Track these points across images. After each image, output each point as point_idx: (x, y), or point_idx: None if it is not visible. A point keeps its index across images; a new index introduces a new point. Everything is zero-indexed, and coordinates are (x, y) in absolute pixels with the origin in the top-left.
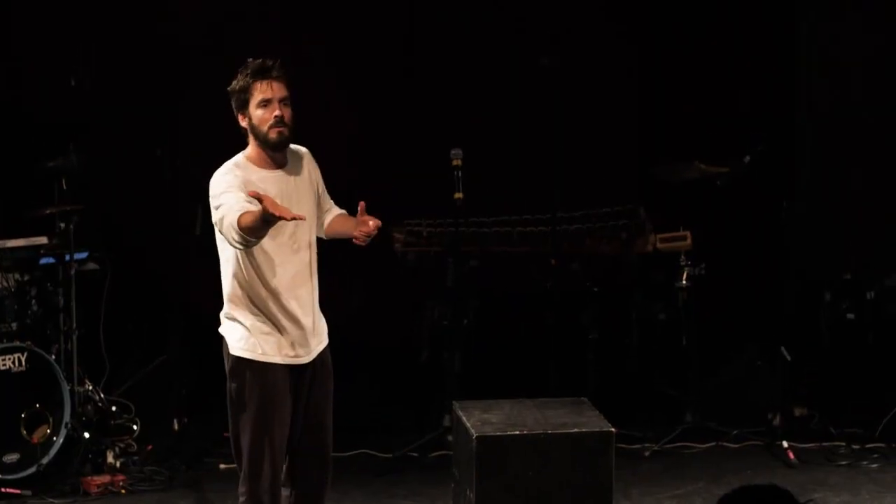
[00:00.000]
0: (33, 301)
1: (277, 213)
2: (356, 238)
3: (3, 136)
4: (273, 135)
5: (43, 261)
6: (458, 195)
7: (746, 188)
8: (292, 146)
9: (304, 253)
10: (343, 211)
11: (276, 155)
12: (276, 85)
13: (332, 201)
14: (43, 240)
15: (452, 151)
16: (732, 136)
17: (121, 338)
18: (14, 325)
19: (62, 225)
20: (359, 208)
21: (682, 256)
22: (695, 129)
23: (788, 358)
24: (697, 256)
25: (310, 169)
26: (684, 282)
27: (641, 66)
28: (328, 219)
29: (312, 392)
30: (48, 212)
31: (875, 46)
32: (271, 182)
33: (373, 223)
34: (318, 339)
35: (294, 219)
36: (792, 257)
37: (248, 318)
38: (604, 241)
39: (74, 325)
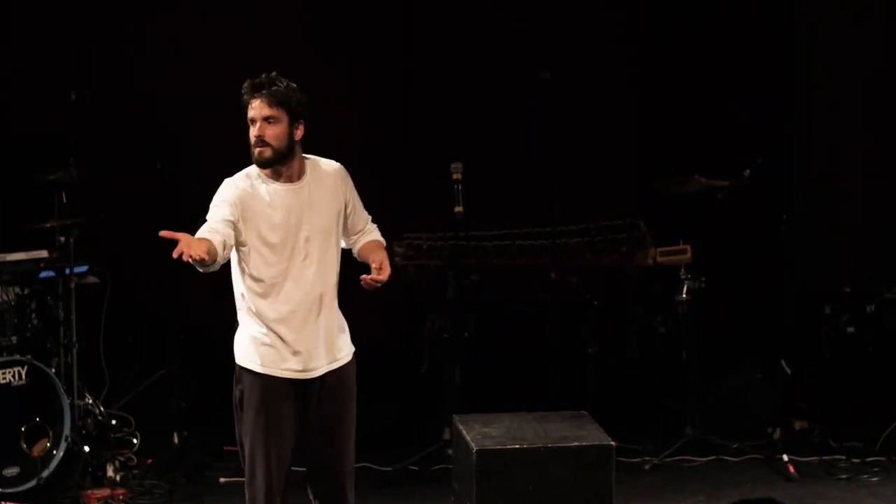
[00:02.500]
0: (33, 314)
1: (174, 255)
2: (363, 278)
3: (3, 150)
4: (255, 153)
5: (43, 274)
6: (459, 208)
7: (746, 201)
8: (323, 161)
9: (315, 269)
10: (375, 237)
11: (286, 168)
12: (258, 103)
13: (369, 222)
14: (43, 253)
15: (452, 165)
16: (732, 148)
17: (121, 351)
18: (14, 338)
19: (62, 238)
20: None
21: (683, 269)
22: (695, 141)
23: (788, 371)
24: (697, 269)
25: (336, 186)
26: (684, 295)
27: (642, 78)
28: (362, 241)
29: (323, 409)
30: (48, 225)
31: (875, 59)
32: (281, 194)
33: (384, 275)
34: (331, 356)
35: (183, 257)
36: (792, 270)
37: (251, 329)
38: (604, 254)
39: (74, 339)
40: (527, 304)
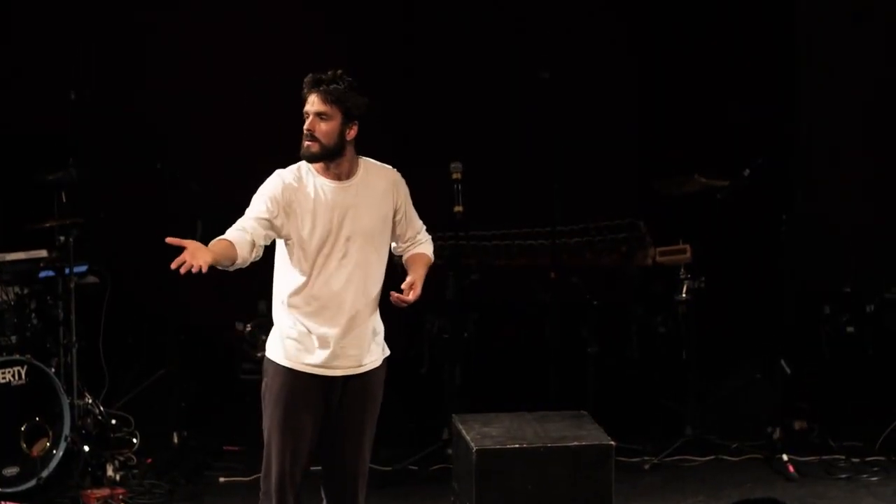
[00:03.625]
0: (33, 314)
1: (173, 266)
2: (392, 295)
3: (3, 150)
4: (302, 147)
5: (43, 274)
6: (458, 208)
7: (746, 201)
8: (378, 164)
9: (352, 269)
10: (423, 251)
11: (334, 166)
12: (314, 97)
13: (421, 233)
14: (43, 253)
15: (452, 165)
16: (732, 149)
17: (120, 351)
18: (14, 338)
19: (62, 238)
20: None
21: (682, 269)
22: (695, 141)
23: (788, 371)
24: (697, 269)
25: (387, 190)
26: (684, 295)
27: (641, 78)
28: (411, 251)
29: (343, 410)
30: (48, 225)
31: (875, 59)
32: (327, 190)
33: (412, 296)
34: (359, 359)
35: (181, 270)
36: (792, 270)
37: (282, 322)
38: (604, 254)
39: (74, 339)
40: (527, 304)
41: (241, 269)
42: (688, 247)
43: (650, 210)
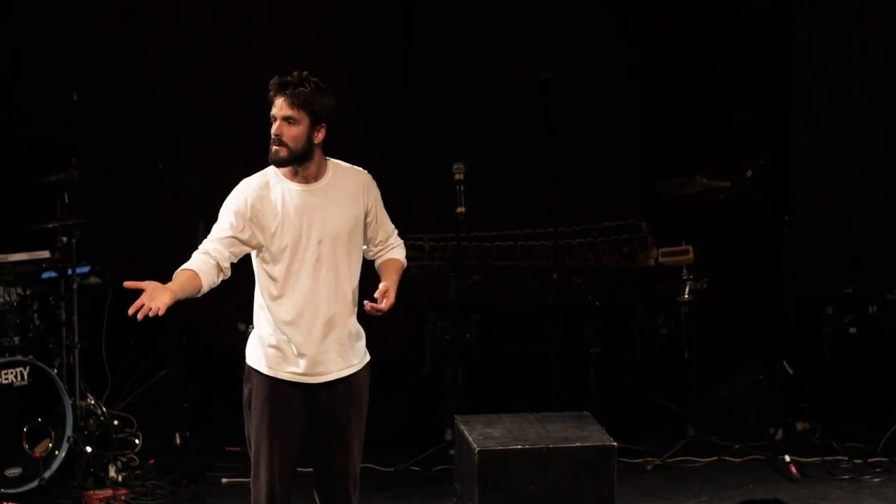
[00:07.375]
0: (35, 315)
1: (130, 312)
2: (366, 304)
3: (5, 151)
4: (271, 151)
5: (45, 275)
6: (461, 209)
7: (748, 202)
8: (348, 166)
9: (327, 272)
10: (396, 257)
11: (302, 169)
12: (280, 101)
13: (392, 237)
14: (45, 254)
15: (455, 165)
16: (734, 150)
17: (123, 352)
18: (16, 339)
19: (64, 239)
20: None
21: (685, 270)
22: (696, 143)
23: (790, 372)
24: (699, 270)
25: (358, 192)
26: (686, 296)
27: (643, 79)
28: (383, 256)
29: (329, 414)
30: (50, 226)
31: (875, 59)
32: (294, 194)
33: (385, 304)
34: (341, 364)
35: (139, 315)
36: (793, 271)
37: (262, 330)
38: (606, 255)
39: (76, 340)
40: (529, 305)
41: (239, 272)
42: (690, 248)
43: (652, 211)
